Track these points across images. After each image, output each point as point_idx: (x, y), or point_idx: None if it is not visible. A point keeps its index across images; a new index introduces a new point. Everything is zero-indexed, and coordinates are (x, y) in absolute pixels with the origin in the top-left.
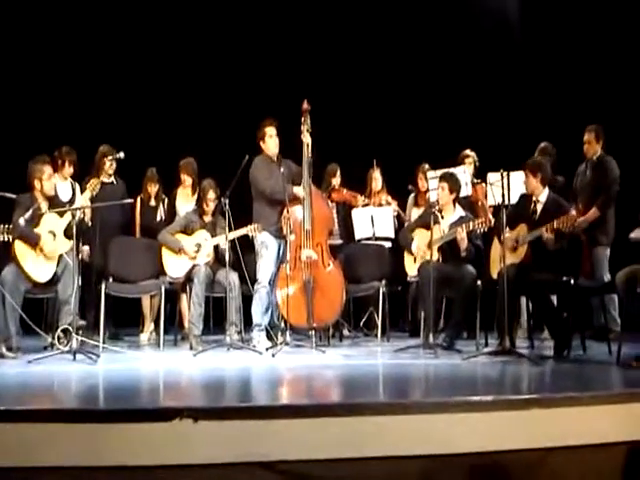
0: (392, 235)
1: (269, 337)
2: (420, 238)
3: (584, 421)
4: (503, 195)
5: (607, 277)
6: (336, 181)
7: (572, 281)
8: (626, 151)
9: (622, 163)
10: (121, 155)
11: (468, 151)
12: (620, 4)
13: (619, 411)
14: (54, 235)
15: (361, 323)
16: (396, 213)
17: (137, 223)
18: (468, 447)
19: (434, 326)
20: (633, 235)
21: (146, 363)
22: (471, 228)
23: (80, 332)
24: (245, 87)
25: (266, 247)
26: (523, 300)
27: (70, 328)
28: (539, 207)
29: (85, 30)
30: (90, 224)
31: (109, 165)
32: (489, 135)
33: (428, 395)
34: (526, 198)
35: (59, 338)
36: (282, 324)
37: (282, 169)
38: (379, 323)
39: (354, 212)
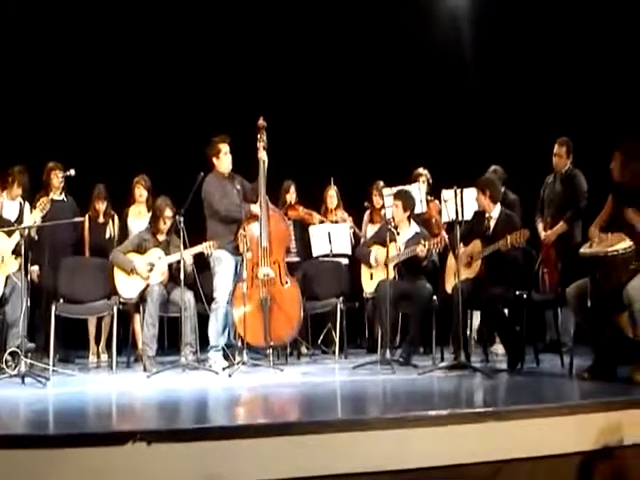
0: (349, 252)
1: (226, 357)
2: (377, 252)
3: (538, 433)
4: (457, 212)
5: None
6: (291, 197)
7: (525, 295)
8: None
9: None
10: (72, 172)
11: (421, 169)
12: (569, 22)
13: (572, 422)
14: (1, 256)
15: (319, 340)
16: (352, 230)
17: (86, 241)
18: (426, 462)
19: (391, 342)
20: (582, 250)
21: (98, 386)
22: (426, 248)
23: (29, 355)
24: (197, 104)
25: (222, 265)
26: (477, 314)
27: (18, 351)
28: (492, 223)
29: (33, 47)
30: (37, 241)
31: (57, 181)
32: (442, 153)
33: (386, 411)
34: (479, 215)
35: (7, 361)
36: (239, 343)
37: (239, 187)
38: (337, 340)
39: (311, 229)
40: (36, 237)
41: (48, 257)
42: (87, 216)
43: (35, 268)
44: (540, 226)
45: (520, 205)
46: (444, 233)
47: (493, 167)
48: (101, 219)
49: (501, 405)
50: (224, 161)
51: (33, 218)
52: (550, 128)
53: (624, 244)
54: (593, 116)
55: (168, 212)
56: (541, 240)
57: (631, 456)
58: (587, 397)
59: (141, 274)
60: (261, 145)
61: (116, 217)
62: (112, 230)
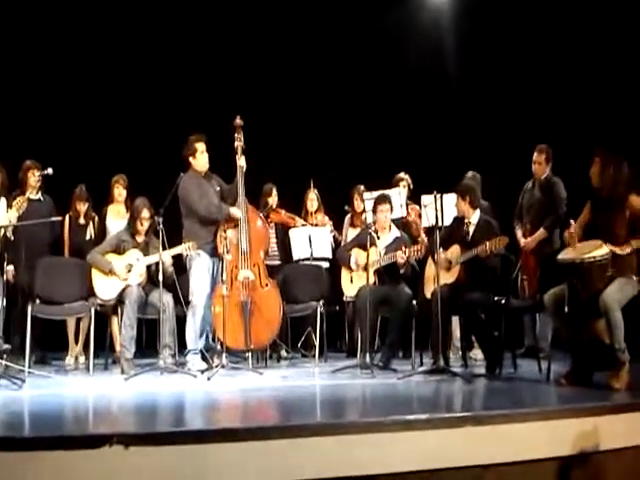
0: (330, 255)
1: (204, 360)
2: (357, 256)
3: (516, 438)
4: (437, 217)
5: None
6: (272, 200)
7: (503, 300)
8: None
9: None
10: (49, 171)
11: (402, 174)
12: (547, 30)
13: (549, 428)
14: None
15: (299, 344)
16: (332, 233)
17: (66, 242)
18: (404, 466)
19: (371, 346)
20: (560, 257)
21: (74, 388)
22: (406, 255)
23: (4, 356)
24: (176, 104)
25: (199, 266)
26: (456, 319)
27: None
28: (471, 229)
29: (13, 45)
30: (13, 240)
31: (34, 180)
32: (422, 158)
33: (365, 415)
34: (459, 220)
35: None
36: (218, 346)
37: (217, 187)
38: (317, 344)
39: (292, 232)
40: (12, 237)
41: (24, 257)
42: (67, 216)
43: (10, 268)
44: (519, 233)
45: (492, 211)
46: (424, 235)
47: (471, 173)
48: (82, 220)
49: (479, 410)
50: (200, 160)
51: (9, 217)
52: (528, 135)
53: (601, 251)
54: (572, 123)
55: (145, 213)
56: (520, 247)
57: (607, 461)
58: (564, 402)
59: (119, 275)
60: (239, 145)
61: (97, 218)
62: (92, 231)
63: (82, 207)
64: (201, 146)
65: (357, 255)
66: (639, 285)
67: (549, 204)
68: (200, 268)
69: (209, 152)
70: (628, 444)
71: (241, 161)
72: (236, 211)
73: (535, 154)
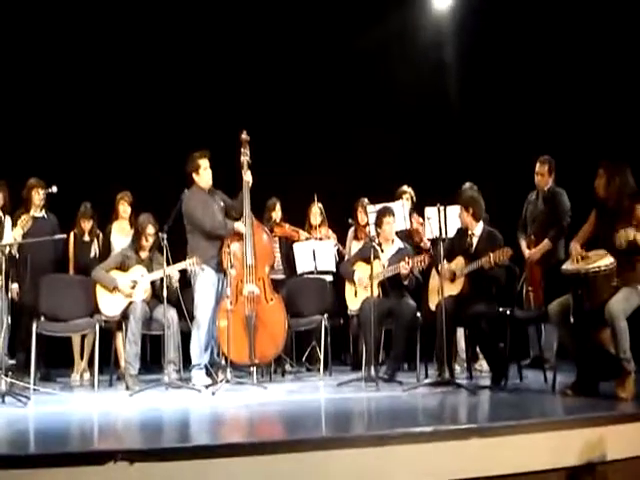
0: (334, 269)
1: (209, 375)
2: (361, 271)
3: (523, 449)
4: (440, 228)
5: None
6: (276, 215)
7: (508, 311)
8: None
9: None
10: (54, 189)
11: (405, 187)
12: (549, 40)
13: (556, 438)
14: None
15: (303, 358)
16: (336, 247)
17: (71, 259)
18: (410, 479)
19: (375, 359)
20: (565, 267)
21: (79, 405)
22: (410, 266)
23: (9, 373)
24: (181, 120)
25: (204, 281)
26: (461, 331)
27: None
28: (475, 240)
29: (16, 61)
30: (18, 258)
31: (38, 198)
32: (426, 171)
33: (370, 428)
34: (462, 232)
35: None
36: (222, 361)
37: (221, 203)
38: (321, 357)
39: (296, 246)
40: (17, 255)
41: (29, 275)
42: (72, 234)
43: (15, 286)
44: (524, 244)
45: (489, 223)
46: (427, 240)
47: (468, 184)
48: (86, 237)
49: (485, 422)
50: (204, 176)
51: (14, 235)
52: (530, 146)
53: (606, 261)
54: (574, 133)
55: (150, 229)
56: (525, 258)
57: (613, 472)
58: (570, 413)
59: (124, 292)
60: (245, 160)
61: (101, 236)
62: (97, 249)
63: (87, 225)
64: (204, 162)
65: (361, 273)
66: None
67: (553, 215)
68: (204, 283)
69: (213, 168)
70: (635, 454)
71: (247, 176)
72: (241, 226)
73: (537, 165)
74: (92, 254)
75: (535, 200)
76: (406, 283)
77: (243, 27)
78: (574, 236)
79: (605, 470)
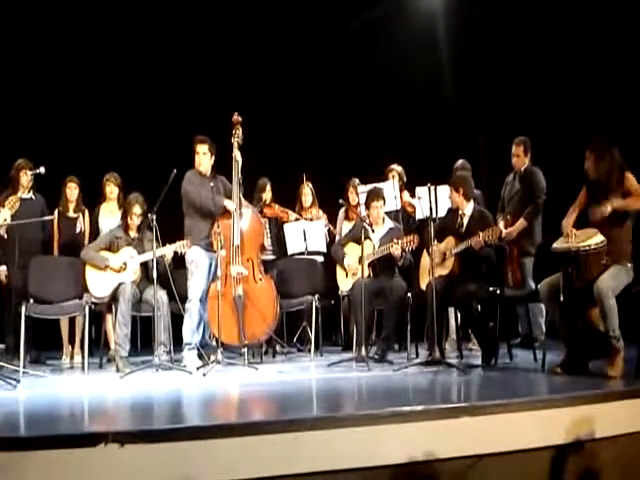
0: (324, 249)
1: (200, 356)
2: (352, 253)
3: (512, 427)
4: (431, 208)
5: (532, 286)
6: (266, 196)
7: (498, 291)
8: (551, 162)
9: (548, 174)
10: (42, 170)
11: (394, 165)
12: (532, 24)
13: (545, 417)
14: None
15: (294, 338)
16: (327, 227)
17: (55, 237)
18: (401, 458)
19: (366, 339)
20: (555, 245)
21: (70, 387)
22: (400, 248)
23: None
24: (171, 100)
25: (197, 263)
26: (452, 311)
27: None
28: (465, 220)
29: (3, 43)
30: (6, 240)
31: (26, 180)
32: (417, 149)
33: (361, 408)
34: (453, 212)
35: None
36: (213, 342)
37: (212, 183)
38: (312, 338)
39: (286, 227)
40: (5, 236)
41: (17, 257)
42: (56, 211)
43: (3, 268)
44: (501, 224)
45: (484, 200)
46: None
47: (460, 162)
48: (71, 213)
49: (475, 400)
50: (200, 161)
51: (3, 217)
52: (512, 127)
53: (596, 239)
54: (554, 114)
55: (137, 209)
56: (501, 237)
57: (602, 449)
58: (559, 391)
59: (115, 268)
60: (235, 141)
61: (87, 212)
62: (83, 224)
63: (73, 192)
64: (201, 148)
65: (350, 258)
66: (633, 272)
67: (528, 194)
68: (198, 265)
69: (215, 155)
70: (623, 431)
71: (237, 156)
72: (230, 203)
73: (513, 147)
74: (77, 229)
75: (512, 181)
76: (400, 264)
77: (234, 10)
78: (553, 215)
79: (594, 448)
